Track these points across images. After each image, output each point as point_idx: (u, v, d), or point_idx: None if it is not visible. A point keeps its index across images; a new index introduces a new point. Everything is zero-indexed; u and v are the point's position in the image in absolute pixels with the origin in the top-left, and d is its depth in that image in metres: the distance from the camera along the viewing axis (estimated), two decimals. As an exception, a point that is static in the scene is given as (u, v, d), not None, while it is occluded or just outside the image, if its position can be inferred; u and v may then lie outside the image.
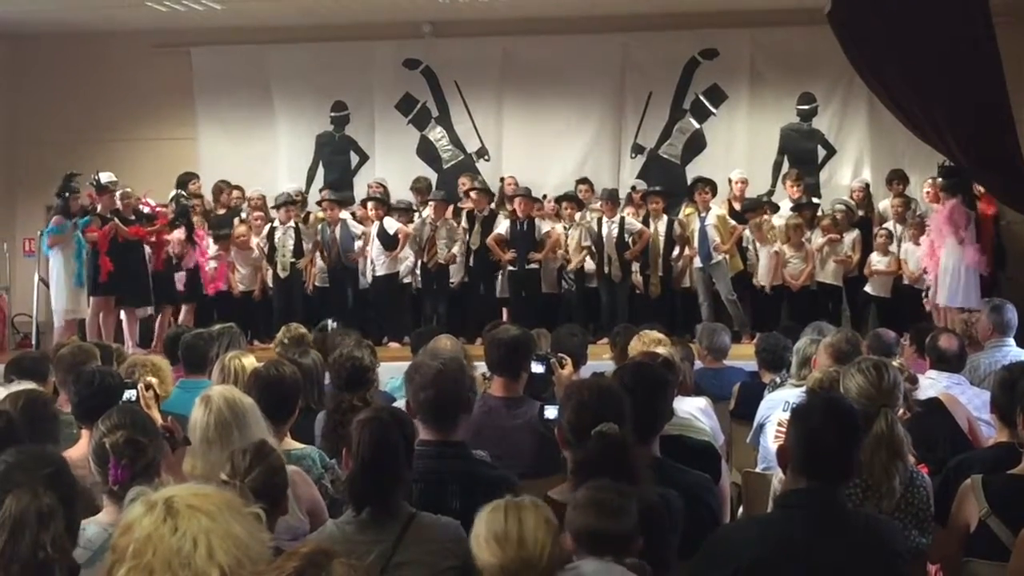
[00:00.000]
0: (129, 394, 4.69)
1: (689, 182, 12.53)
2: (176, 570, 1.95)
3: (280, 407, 4.43)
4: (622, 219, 11.57)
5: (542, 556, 2.77)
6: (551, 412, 4.39)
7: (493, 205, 12.24)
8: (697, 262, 11.57)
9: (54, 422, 4.19)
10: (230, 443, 3.72)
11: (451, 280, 11.91)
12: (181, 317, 11.51)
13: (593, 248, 11.56)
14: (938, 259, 10.39)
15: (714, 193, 11.74)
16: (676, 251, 11.84)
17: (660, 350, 5.33)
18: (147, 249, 11.19)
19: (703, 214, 11.53)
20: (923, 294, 10.84)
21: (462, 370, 4.05)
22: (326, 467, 4.44)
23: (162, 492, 2.08)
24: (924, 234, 10.88)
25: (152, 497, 2.06)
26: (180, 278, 11.56)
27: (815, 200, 12.32)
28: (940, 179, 10.66)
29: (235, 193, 12.79)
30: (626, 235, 11.49)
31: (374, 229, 11.79)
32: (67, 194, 10.74)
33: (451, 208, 12.29)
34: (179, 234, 11.46)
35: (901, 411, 4.35)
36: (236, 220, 12.28)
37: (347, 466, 3.43)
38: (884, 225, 11.70)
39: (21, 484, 2.51)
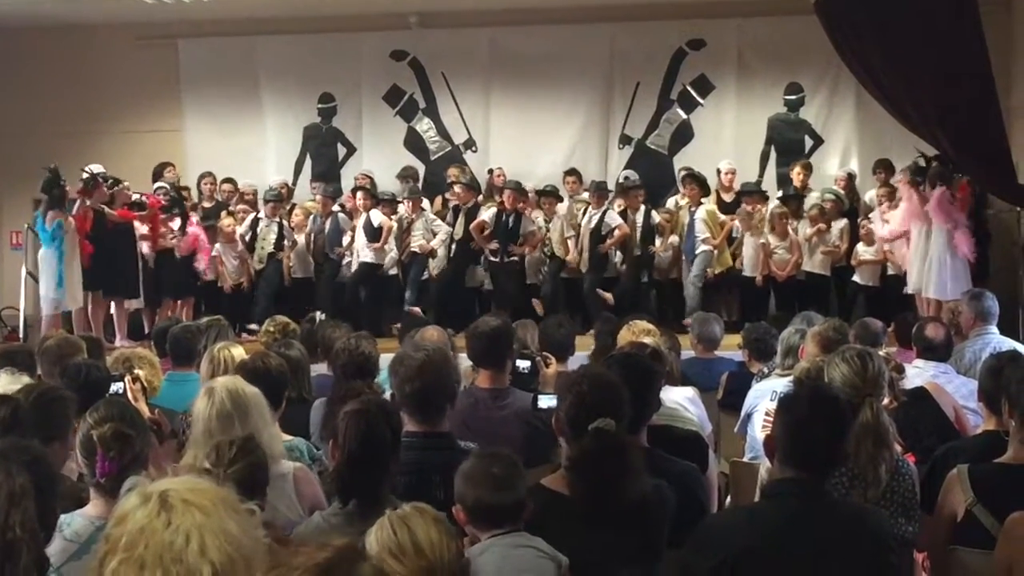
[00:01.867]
0: (116, 387, 4.69)
1: (677, 172, 12.57)
2: (168, 564, 1.94)
3: (267, 399, 4.41)
4: (604, 212, 11.54)
5: (442, 558, 2.71)
6: (544, 402, 4.38)
7: (480, 198, 12.23)
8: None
9: (63, 420, 3.99)
10: (232, 434, 3.64)
11: (432, 271, 11.89)
12: (178, 310, 11.47)
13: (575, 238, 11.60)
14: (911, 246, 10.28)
15: (703, 190, 11.77)
16: (659, 242, 11.83)
17: (648, 340, 5.35)
18: (145, 246, 11.19)
19: (693, 208, 11.59)
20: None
21: (447, 360, 4.04)
22: (314, 459, 4.44)
23: (158, 484, 2.07)
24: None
25: (148, 489, 2.05)
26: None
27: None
28: (927, 166, 10.51)
29: (225, 187, 12.76)
30: (603, 228, 11.48)
31: (360, 221, 11.80)
32: (55, 189, 10.47)
33: (439, 199, 12.26)
34: (175, 224, 11.52)
35: (888, 400, 4.37)
36: (223, 212, 12.25)
37: (334, 458, 3.44)
38: (869, 215, 11.70)
39: None
